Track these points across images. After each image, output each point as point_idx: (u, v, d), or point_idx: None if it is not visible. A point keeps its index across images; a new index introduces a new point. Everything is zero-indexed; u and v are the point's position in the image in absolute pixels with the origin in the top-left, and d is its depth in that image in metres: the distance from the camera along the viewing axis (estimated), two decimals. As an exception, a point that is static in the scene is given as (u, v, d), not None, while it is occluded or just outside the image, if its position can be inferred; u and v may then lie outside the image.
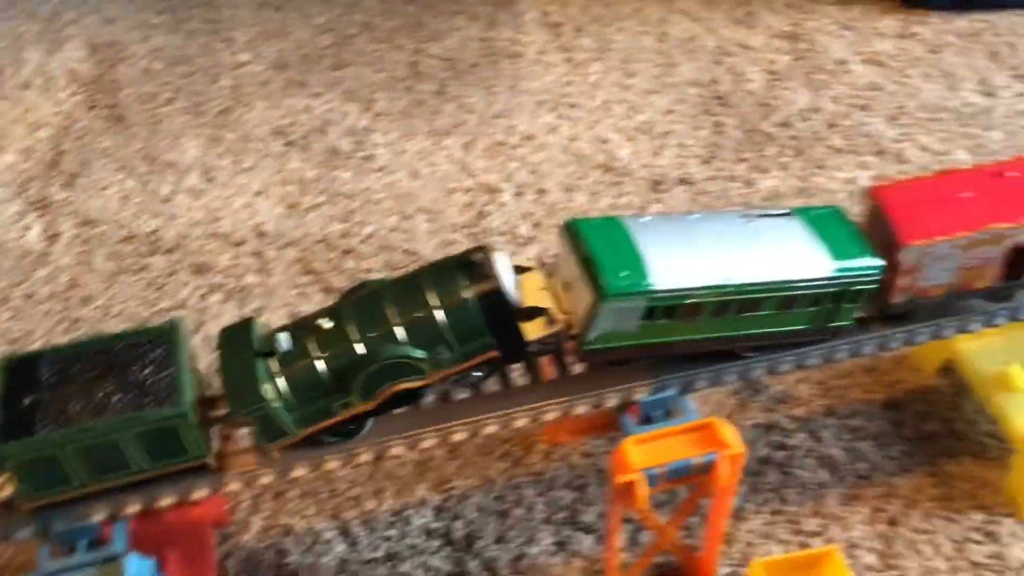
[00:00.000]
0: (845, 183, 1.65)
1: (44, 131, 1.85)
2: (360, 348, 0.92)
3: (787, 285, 1.02)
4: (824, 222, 1.07)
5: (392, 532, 1.24)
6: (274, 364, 0.93)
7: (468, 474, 1.30)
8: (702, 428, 1.02)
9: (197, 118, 1.87)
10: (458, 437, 1.04)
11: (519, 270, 1.01)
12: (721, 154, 1.74)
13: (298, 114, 1.87)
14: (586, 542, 1.20)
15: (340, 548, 1.23)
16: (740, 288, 1.00)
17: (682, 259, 0.99)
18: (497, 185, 1.72)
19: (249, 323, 0.97)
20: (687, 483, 1.04)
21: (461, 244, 1.62)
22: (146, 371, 0.93)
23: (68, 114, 1.88)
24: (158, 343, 0.95)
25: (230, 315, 1.50)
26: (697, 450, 0.99)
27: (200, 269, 1.58)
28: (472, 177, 1.74)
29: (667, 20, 2.11)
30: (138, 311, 1.52)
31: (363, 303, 0.96)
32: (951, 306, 1.13)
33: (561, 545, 1.22)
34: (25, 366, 0.94)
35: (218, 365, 0.95)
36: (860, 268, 1.03)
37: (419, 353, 0.93)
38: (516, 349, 0.97)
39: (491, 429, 1.04)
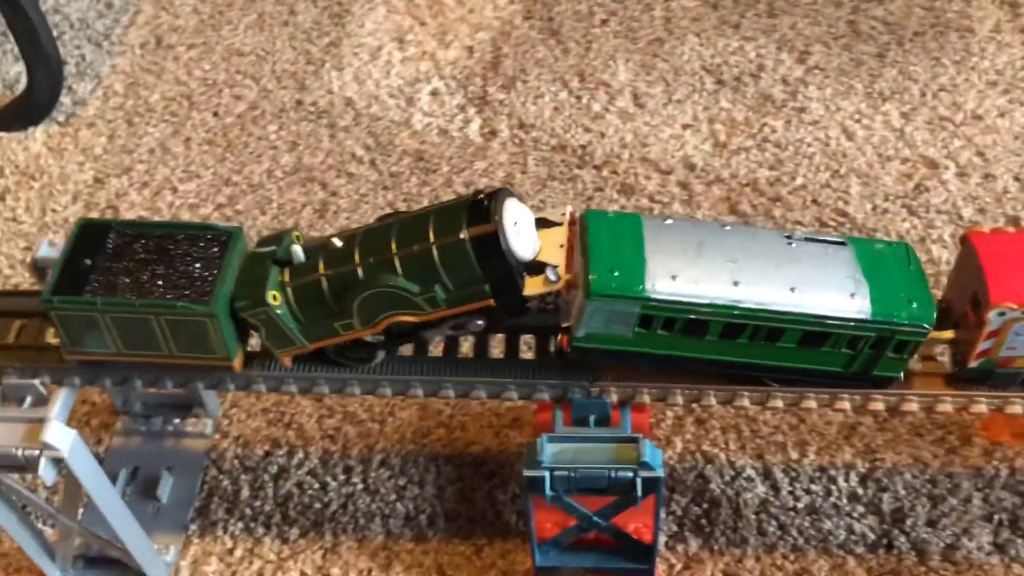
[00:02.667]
0: None
1: (484, 33, 1.94)
2: (360, 272, 0.91)
3: (809, 319, 0.89)
4: (881, 259, 0.92)
5: (816, 487, 1.22)
6: (286, 274, 0.93)
7: (898, 450, 1.24)
8: None
9: (630, 43, 1.89)
10: (877, 406, 0.99)
11: (545, 223, 0.92)
12: None
13: (730, 55, 1.84)
14: (1035, 551, 1.12)
15: (761, 489, 1.22)
16: (749, 313, 0.88)
17: (690, 270, 0.89)
18: (939, 161, 1.62)
19: (287, 233, 0.97)
20: None
21: (896, 215, 1.54)
22: (196, 265, 0.95)
23: (507, 20, 1.96)
24: (216, 243, 0.96)
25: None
26: None
27: (627, 190, 1.61)
28: (911, 147, 1.65)
29: None
30: (568, 217, 1.57)
31: (375, 230, 0.93)
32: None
33: (1000, 548, 1.14)
34: (96, 231, 0.97)
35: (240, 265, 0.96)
36: (905, 316, 0.88)
37: (413, 287, 0.89)
38: (512, 301, 0.90)
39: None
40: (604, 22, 1.94)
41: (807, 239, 0.93)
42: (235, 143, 1.74)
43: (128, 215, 1.61)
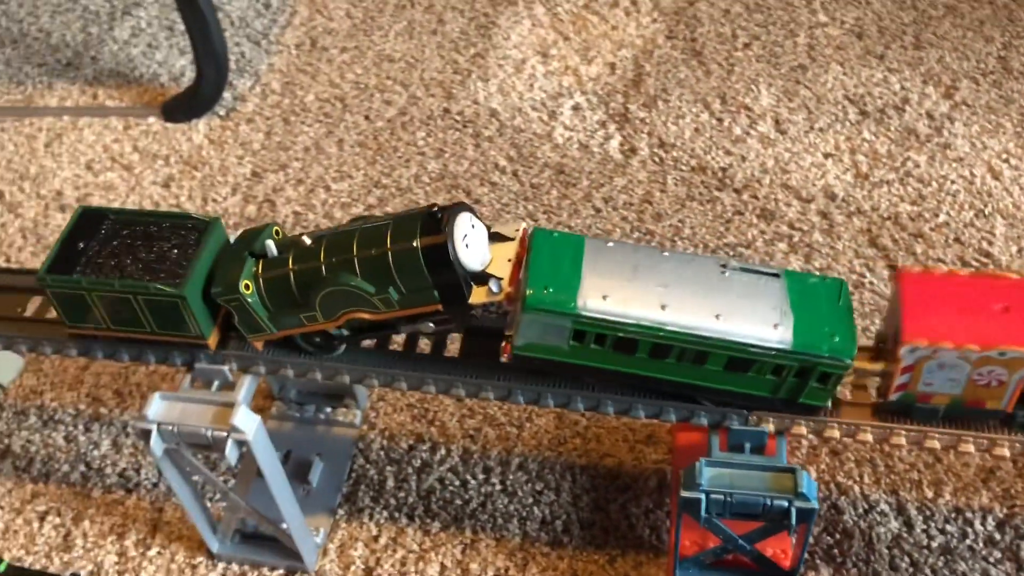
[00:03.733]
0: None
1: (627, 51, 1.98)
2: (323, 270, 0.98)
3: (732, 345, 0.93)
4: (812, 293, 0.95)
5: (951, 528, 1.22)
6: (260, 267, 1.01)
7: (1038, 497, 1.24)
8: None
9: (772, 68, 1.90)
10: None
11: (499, 238, 0.99)
12: None
13: (874, 86, 1.84)
14: None
15: (894, 524, 1.23)
16: (674, 335, 0.93)
17: (622, 292, 0.94)
18: (1090, 207, 1.60)
19: (266, 228, 1.04)
20: None
21: (1043, 259, 1.53)
22: (174, 250, 1.03)
23: (650, 39, 2.00)
24: (195, 231, 1.05)
25: (795, 266, 1.53)
26: None
27: (767, 215, 1.63)
28: (1061, 191, 1.63)
29: None
30: (706, 238, 1.60)
31: (340, 233, 1.00)
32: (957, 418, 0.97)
33: None
34: (93, 218, 1.07)
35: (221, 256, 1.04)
36: (826, 349, 0.92)
37: (369, 287, 0.96)
38: (457, 307, 0.96)
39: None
40: (747, 46, 1.96)
41: (742, 269, 0.97)
42: (385, 147, 1.81)
43: (284, 210, 1.70)
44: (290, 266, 0.99)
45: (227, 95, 1.93)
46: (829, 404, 0.98)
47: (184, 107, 1.88)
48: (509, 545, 1.25)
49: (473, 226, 0.96)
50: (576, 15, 2.07)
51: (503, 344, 1.00)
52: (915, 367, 0.93)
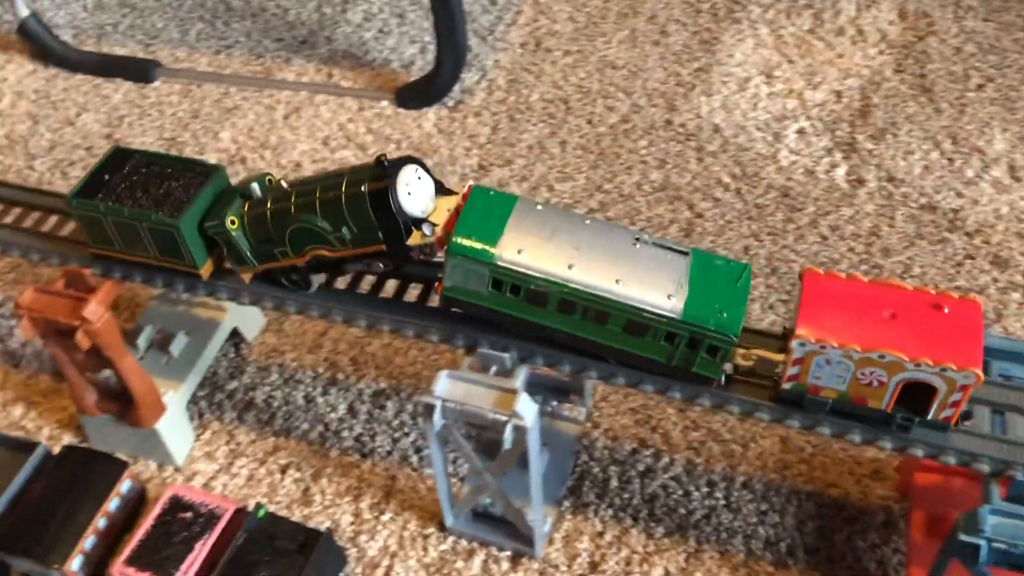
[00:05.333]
0: None
1: (853, 80, 1.96)
2: (292, 209, 1.12)
3: (626, 308, 1.02)
4: (714, 272, 1.04)
5: None
6: (247, 206, 1.17)
7: None
8: None
9: (1008, 113, 1.86)
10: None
11: (444, 191, 1.11)
12: None
13: (1118, 140, 1.79)
14: None
15: None
16: (576, 292, 1.03)
17: (536, 249, 1.04)
18: None
19: (260, 175, 1.19)
20: None
21: None
22: (179, 188, 1.18)
23: (877, 70, 1.98)
24: (201, 175, 1.20)
25: (1031, 321, 1.50)
26: None
27: (1000, 262, 1.60)
28: None
29: None
30: (936, 279, 1.58)
31: (310, 179, 1.14)
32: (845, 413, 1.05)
33: None
34: (122, 156, 1.24)
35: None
36: (713, 323, 1.01)
37: (327, 226, 1.10)
38: (396, 248, 1.09)
39: None
40: (980, 87, 1.92)
41: (654, 243, 1.06)
42: (607, 152, 1.85)
43: (509, 203, 1.75)
44: (268, 206, 1.15)
45: (455, 87, 1.99)
46: (722, 378, 1.07)
47: (418, 95, 1.95)
48: (733, 560, 1.27)
49: (419, 178, 1.09)
50: (801, 39, 2.07)
51: (436, 285, 1.13)
52: (804, 360, 1.01)
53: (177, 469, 1.41)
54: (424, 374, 1.51)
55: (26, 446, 1.35)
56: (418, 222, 1.08)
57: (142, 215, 1.16)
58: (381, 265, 1.14)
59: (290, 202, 1.12)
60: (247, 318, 1.56)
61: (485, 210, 1.07)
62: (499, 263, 1.04)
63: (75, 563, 1.25)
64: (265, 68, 2.11)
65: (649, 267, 1.04)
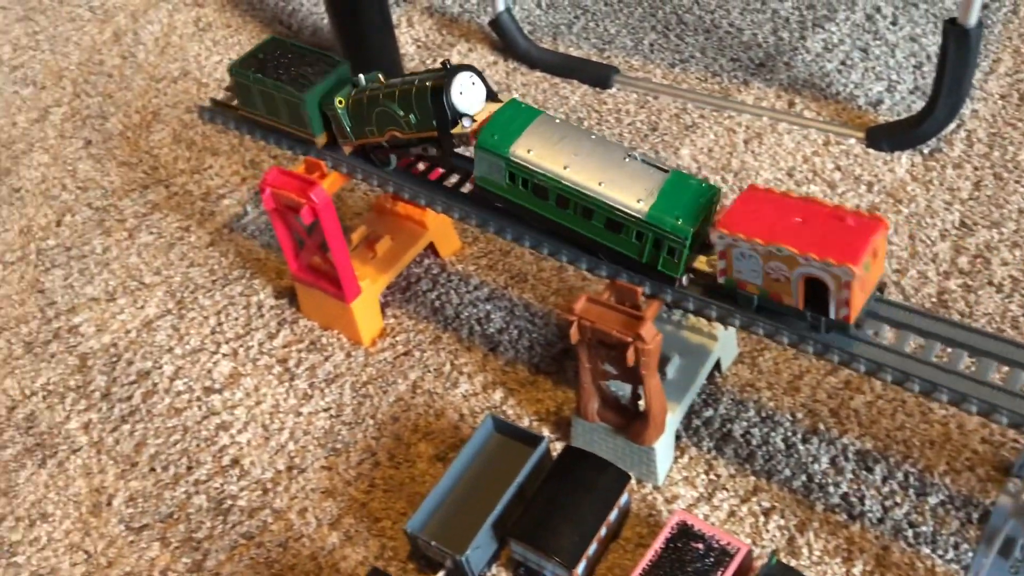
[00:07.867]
0: None
1: None
2: (380, 96, 1.39)
3: (601, 204, 1.24)
4: (684, 188, 1.23)
5: None
6: (353, 92, 1.45)
7: None
8: None
9: None
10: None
11: (495, 99, 1.36)
12: None
13: None
14: None
15: None
16: (565, 188, 1.25)
17: (543, 149, 1.27)
18: None
19: (373, 73, 1.46)
20: None
21: None
22: (311, 72, 1.48)
23: None
24: (330, 65, 1.49)
25: None
26: None
27: None
28: None
29: None
30: None
31: (400, 79, 1.39)
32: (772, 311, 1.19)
33: None
34: (278, 44, 1.55)
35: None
36: (668, 225, 1.20)
37: (400, 111, 1.37)
38: (445, 135, 1.34)
39: None
40: None
41: (642, 160, 1.26)
42: (1113, 230, 1.69)
43: (998, 272, 1.64)
44: (366, 93, 1.42)
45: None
46: (682, 277, 1.23)
47: (896, 137, 1.87)
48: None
49: (473, 83, 1.33)
50: None
51: (471, 176, 1.41)
52: (726, 254, 1.16)
53: (656, 487, 1.43)
54: (913, 441, 1.44)
55: (531, 439, 1.42)
56: (458, 114, 1.32)
57: (279, 87, 1.47)
58: (433, 150, 1.39)
59: (380, 92, 1.40)
60: (727, 348, 1.55)
61: (512, 116, 1.30)
62: (512, 157, 1.27)
63: (580, 567, 1.29)
64: (722, 88, 2.10)
65: (631, 176, 1.24)
